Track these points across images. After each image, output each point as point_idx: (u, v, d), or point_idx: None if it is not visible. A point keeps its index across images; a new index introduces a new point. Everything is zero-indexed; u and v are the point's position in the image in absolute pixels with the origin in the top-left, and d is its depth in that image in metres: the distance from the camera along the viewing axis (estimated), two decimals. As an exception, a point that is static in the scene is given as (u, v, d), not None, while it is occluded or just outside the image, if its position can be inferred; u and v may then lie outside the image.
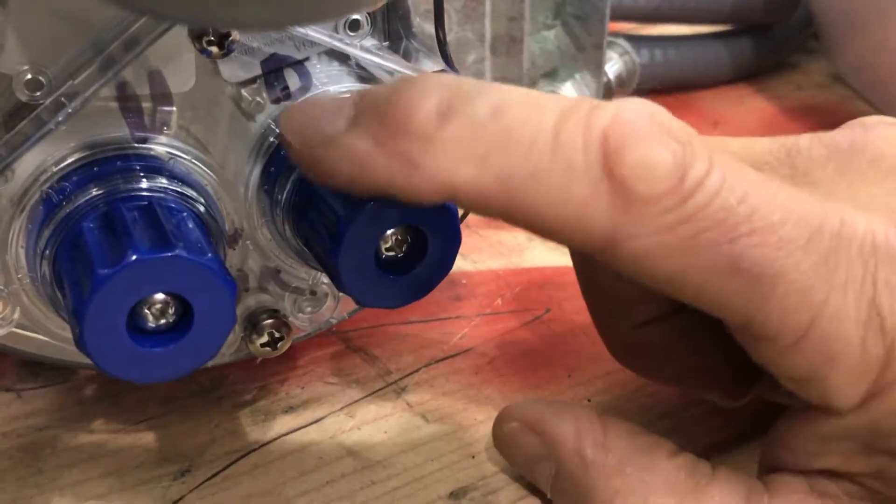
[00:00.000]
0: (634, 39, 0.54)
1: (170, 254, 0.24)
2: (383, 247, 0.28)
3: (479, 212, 0.25)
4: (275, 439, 0.32)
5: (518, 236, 0.44)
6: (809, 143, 0.28)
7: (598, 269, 0.30)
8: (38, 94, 0.26)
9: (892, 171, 0.27)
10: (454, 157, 0.24)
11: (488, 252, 0.43)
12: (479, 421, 0.33)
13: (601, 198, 0.23)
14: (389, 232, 0.27)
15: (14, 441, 0.32)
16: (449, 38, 0.36)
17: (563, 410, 0.29)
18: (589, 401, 0.34)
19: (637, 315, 0.30)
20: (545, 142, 0.24)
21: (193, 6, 0.17)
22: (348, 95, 0.26)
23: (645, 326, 0.30)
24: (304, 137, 0.25)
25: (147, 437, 0.32)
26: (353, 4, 0.22)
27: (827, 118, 0.55)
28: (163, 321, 0.25)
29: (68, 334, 0.28)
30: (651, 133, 0.24)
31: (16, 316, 0.28)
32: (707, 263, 0.24)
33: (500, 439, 0.30)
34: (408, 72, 0.30)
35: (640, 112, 0.24)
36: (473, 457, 0.32)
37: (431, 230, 0.28)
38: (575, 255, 0.31)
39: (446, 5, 0.35)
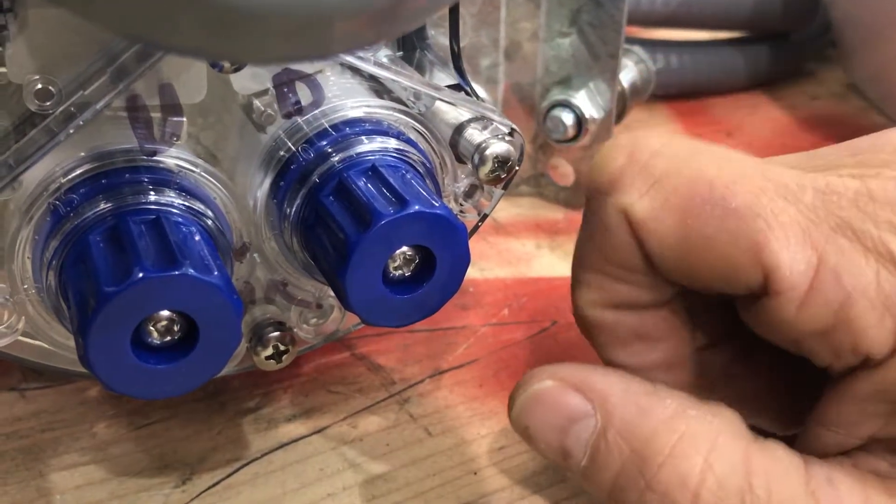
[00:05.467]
0: (650, 44, 0.53)
1: (176, 272, 0.24)
2: (391, 265, 0.27)
3: None
4: (277, 448, 0.32)
5: (526, 244, 0.44)
6: (830, 148, 0.28)
7: None
8: (48, 103, 0.26)
9: None
10: None
11: (496, 260, 0.42)
12: (482, 436, 0.33)
13: None
14: (398, 251, 0.27)
15: (16, 442, 0.32)
16: (463, 43, 0.36)
17: (607, 369, 0.28)
18: (592, 418, 0.34)
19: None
20: None
21: (208, 43, 0.17)
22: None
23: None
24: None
25: (149, 442, 0.32)
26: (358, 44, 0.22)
27: (841, 129, 0.54)
28: (168, 338, 0.25)
29: (72, 343, 0.28)
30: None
31: (20, 325, 0.27)
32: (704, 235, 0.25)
33: (527, 402, 0.28)
34: (421, 87, 0.30)
35: None
36: (475, 473, 0.32)
37: (440, 250, 0.27)
38: None
39: (461, 9, 0.34)
